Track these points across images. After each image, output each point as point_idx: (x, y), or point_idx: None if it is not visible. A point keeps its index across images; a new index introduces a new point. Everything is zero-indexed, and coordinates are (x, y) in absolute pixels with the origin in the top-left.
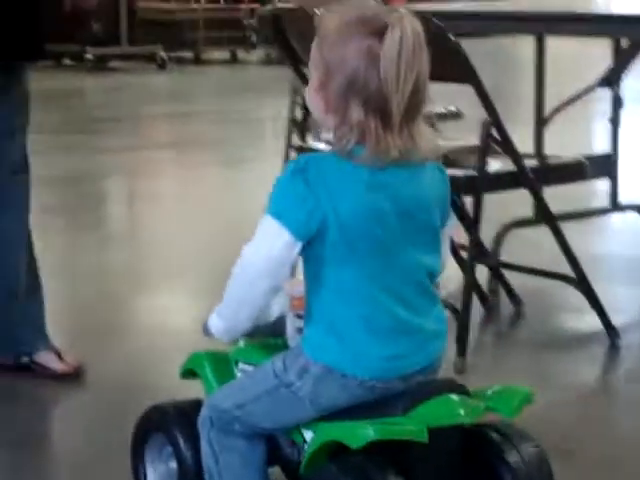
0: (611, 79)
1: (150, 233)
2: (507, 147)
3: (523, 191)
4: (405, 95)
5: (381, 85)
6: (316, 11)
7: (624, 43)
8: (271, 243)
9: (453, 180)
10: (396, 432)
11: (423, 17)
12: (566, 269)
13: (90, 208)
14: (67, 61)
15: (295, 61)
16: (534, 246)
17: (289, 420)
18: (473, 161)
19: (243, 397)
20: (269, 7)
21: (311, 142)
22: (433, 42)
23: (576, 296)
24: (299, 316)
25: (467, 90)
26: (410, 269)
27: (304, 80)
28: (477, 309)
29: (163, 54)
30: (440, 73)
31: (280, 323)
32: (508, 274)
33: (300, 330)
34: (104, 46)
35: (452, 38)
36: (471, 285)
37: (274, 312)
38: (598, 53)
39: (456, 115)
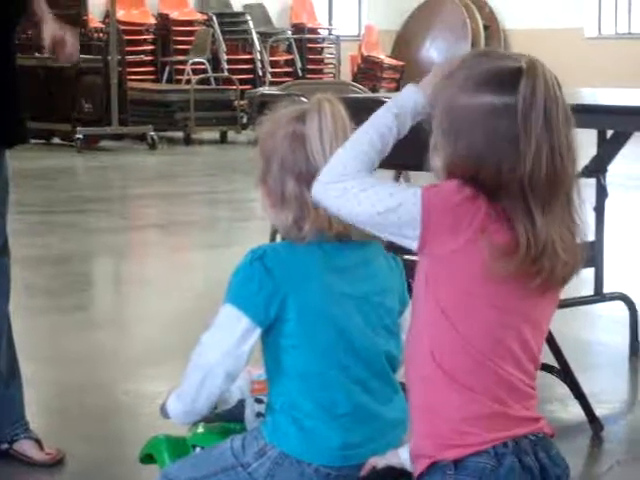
0: (596, 169)
1: (136, 316)
2: None
3: None
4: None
5: (309, 160)
6: (300, 98)
7: (609, 133)
8: (230, 329)
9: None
10: None
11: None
12: (550, 359)
13: (75, 289)
14: (57, 140)
15: None
16: None
17: None
18: None
19: (198, 472)
20: (260, 90)
21: None
22: (415, 132)
23: (560, 386)
24: (258, 400)
25: None
26: (369, 354)
27: None
28: None
29: (154, 134)
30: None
31: (239, 407)
32: None
33: (259, 414)
34: (95, 126)
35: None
36: None
37: (234, 396)
38: (582, 140)
39: None
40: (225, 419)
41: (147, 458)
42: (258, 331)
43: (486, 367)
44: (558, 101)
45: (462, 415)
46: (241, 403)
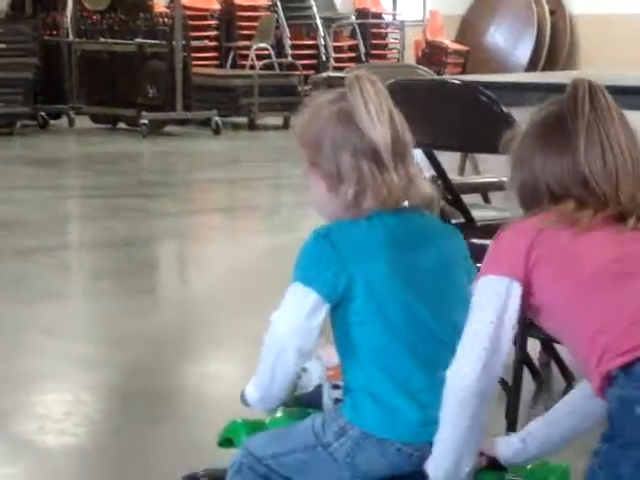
0: None
1: (200, 298)
2: None
3: None
4: (387, 136)
5: (361, 133)
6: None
7: None
8: (298, 306)
9: None
10: None
11: (473, 88)
12: None
13: (141, 272)
14: (122, 125)
15: None
16: None
17: (321, 479)
18: None
19: (279, 448)
20: (324, 74)
21: None
22: (484, 113)
23: None
24: (335, 386)
25: None
26: (439, 327)
27: None
28: (528, 383)
29: (218, 119)
30: (491, 144)
31: (317, 393)
32: (560, 348)
33: (336, 401)
34: (159, 111)
35: (503, 109)
36: (522, 359)
37: (312, 382)
38: None
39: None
40: (303, 405)
41: (226, 442)
42: (327, 307)
43: None
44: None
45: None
46: (318, 390)
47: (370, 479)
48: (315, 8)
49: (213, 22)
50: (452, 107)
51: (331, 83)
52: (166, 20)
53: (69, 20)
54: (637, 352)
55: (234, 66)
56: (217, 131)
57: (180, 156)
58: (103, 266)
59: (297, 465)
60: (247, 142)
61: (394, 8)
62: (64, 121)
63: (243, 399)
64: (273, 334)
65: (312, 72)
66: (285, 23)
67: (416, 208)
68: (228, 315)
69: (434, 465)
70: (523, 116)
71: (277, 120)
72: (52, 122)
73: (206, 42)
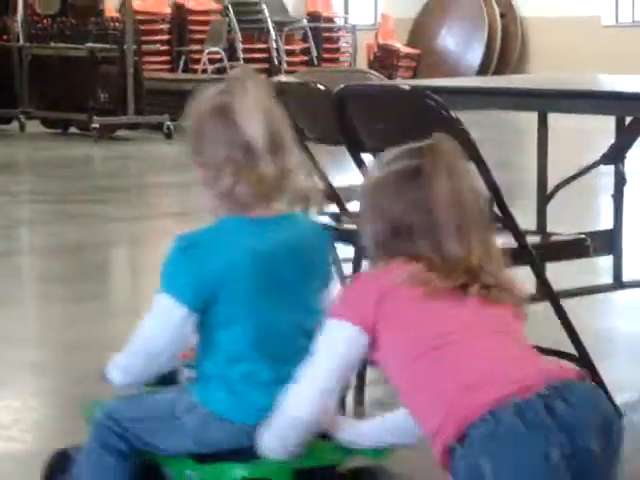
0: (614, 156)
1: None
2: (508, 223)
3: (525, 268)
4: (261, 130)
5: (237, 126)
6: (319, 86)
7: (627, 120)
8: (168, 319)
9: None
10: (261, 471)
11: (421, 93)
12: (568, 347)
13: (93, 278)
14: (74, 130)
15: (298, 132)
16: (536, 323)
17: (172, 447)
18: None
19: (136, 413)
20: (277, 78)
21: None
22: (433, 118)
23: None
24: (188, 366)
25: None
26: (289, 332)
27: (306, 152)
28: None
29: (170, 123)
30: None
31: (172, 373)
32: None
33: (190, 379)
34: (111, 115)
35: (451, 114)
36: None
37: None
38: (601, 127)
39: None
40: (161, 384)
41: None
42: (194, 315)
43: None
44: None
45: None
46: (175, 369)
47: (214, 450)
48: (267, 12)
49: (164, 26)
50: (402, 112)
51: (283, 87)
52: (117, 24)
53: (19, 24)
54: (459, 436)
55: (186, 70)
56: (169, 135)
57: (132, 160)
58: (54, 271)
59: (150, 430)
60: None
61: (346, 12)
62: (15, 125)
63: (104, 378)
64: (146, 343)
65: (264, 76)
66: (237, 27)
67: (290, 209)
68: None
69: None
70: (378, 164)
71: None
72: (3, 127)
73: (158, 46)
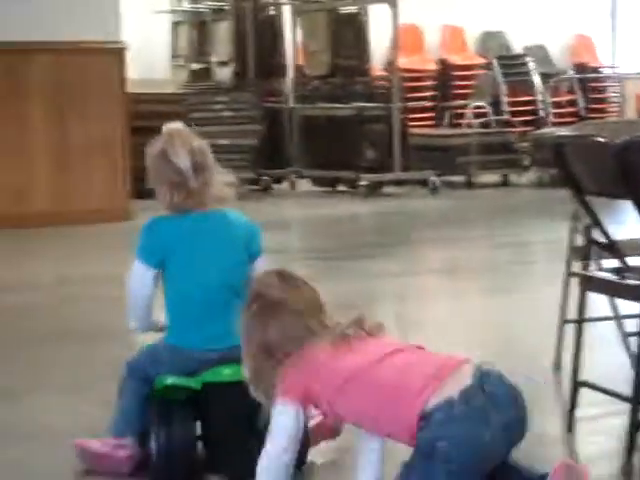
0: None
1: None
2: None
3: None
4: (187, 161)
5: (171, 163)
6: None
7: None
8: (142, 274)
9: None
10: (181, 382)
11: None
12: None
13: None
14: (342, 187)
15: (576, 187)
16: None
17: (164, 371)
18: None
19: (147, 358)
20: (546, 130)
21: (593, 269)
22: None
23: None
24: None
25: None
26: (215, 282)
27: (586, 207)
28: None
29: (435, 179)
30: None
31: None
32: None
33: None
34: (377, 172)
35: None
36: None
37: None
38: None
39: None
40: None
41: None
42: (155, 271)
43: None
44: None
45: None
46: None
47: (183, 373)
48: (532, 64)
49: (429, 83)
50: None
51: (562, 142)
52: (383, 83)
53: (289, 86)
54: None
55: (450, 125)
56: (434, 190)
57: (398, 216)
58: None
59: (153, 364)
60: (464, 201)
61: (613, 61)
62: (285, 184)
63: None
64: (129, 291)
65: (529, 128)
66: (502, 80)
67: (216, 206)
68: None
69: None
70: None
71: (495, 178)
72: (275, 186)
73: (423, 103)
